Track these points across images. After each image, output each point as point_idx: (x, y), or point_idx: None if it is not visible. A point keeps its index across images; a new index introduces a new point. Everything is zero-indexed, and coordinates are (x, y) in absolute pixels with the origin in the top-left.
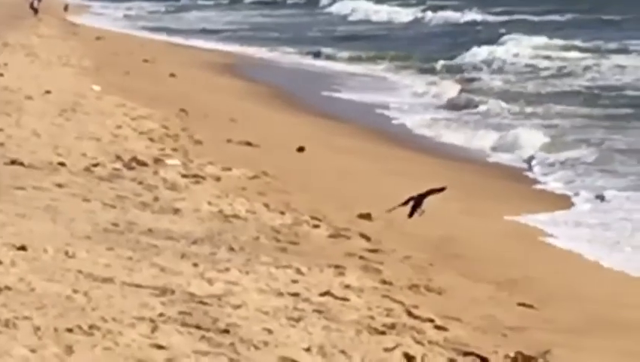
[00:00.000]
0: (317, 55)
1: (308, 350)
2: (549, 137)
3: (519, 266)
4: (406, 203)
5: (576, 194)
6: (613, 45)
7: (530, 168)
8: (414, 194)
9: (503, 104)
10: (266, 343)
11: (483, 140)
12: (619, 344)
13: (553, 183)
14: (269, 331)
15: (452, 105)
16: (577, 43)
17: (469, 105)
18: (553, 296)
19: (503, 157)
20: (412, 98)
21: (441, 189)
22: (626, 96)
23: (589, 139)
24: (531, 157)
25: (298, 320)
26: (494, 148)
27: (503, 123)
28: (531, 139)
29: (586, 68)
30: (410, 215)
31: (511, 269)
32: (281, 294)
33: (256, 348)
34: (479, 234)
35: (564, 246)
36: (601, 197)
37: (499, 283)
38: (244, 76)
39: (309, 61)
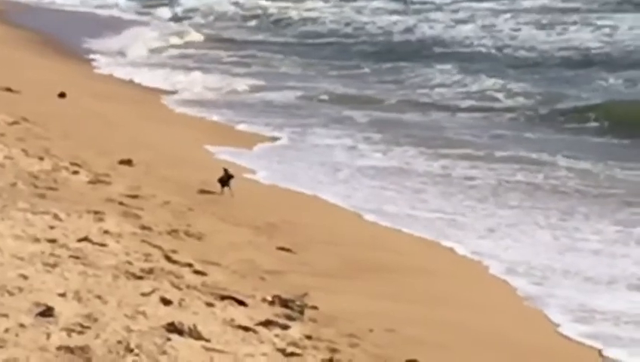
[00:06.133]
0: None
1: (63, 295)
2: (252, 83)
3: (279, 211)
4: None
5: (275, 134)
6: None
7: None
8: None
9: (216, 52)
10: (20, 289)
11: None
12: (371, 285)
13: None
14: (24, 277)
15: (161, 50)
16: None
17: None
18: (311, 240)
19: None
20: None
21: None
22: (362, 44)
23: (298, 85)
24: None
25: (54, 265)
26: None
27: (212, 67)
28: (232, 82)
29: (306, 19)
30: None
31: (271, 214)
32: (37, 240)
33: (10, 293)
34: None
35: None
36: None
37: (258, 228)
38: (9, 22)
39: (76, 8)
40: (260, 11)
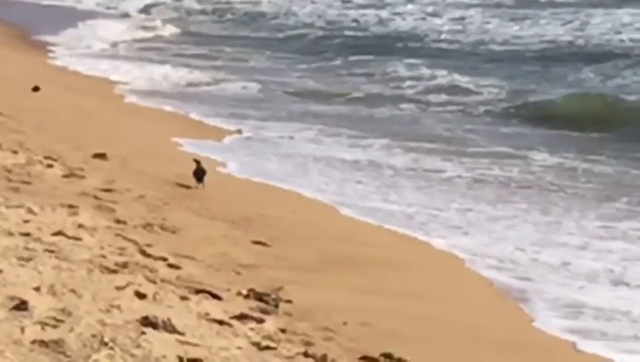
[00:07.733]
0: None
1: (37, 289)
2: (218, 76)
3: (254, 205)
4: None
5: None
6: None
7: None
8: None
9: (184, 45)
10: None
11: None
12: (348, 280)
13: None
14: None
15: (129, 43)
16: None
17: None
18: (286, 233)
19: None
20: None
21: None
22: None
23: (266, 78)
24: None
25: (28, 259)
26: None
27: (179, 61)
28: (198, 76)
29: (277, 12)
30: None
31: (246, 208)
32: (11, 234)
33: None
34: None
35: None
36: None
37: (234, 222)
38: None
39: (54, 2)
40: (230, 5)
